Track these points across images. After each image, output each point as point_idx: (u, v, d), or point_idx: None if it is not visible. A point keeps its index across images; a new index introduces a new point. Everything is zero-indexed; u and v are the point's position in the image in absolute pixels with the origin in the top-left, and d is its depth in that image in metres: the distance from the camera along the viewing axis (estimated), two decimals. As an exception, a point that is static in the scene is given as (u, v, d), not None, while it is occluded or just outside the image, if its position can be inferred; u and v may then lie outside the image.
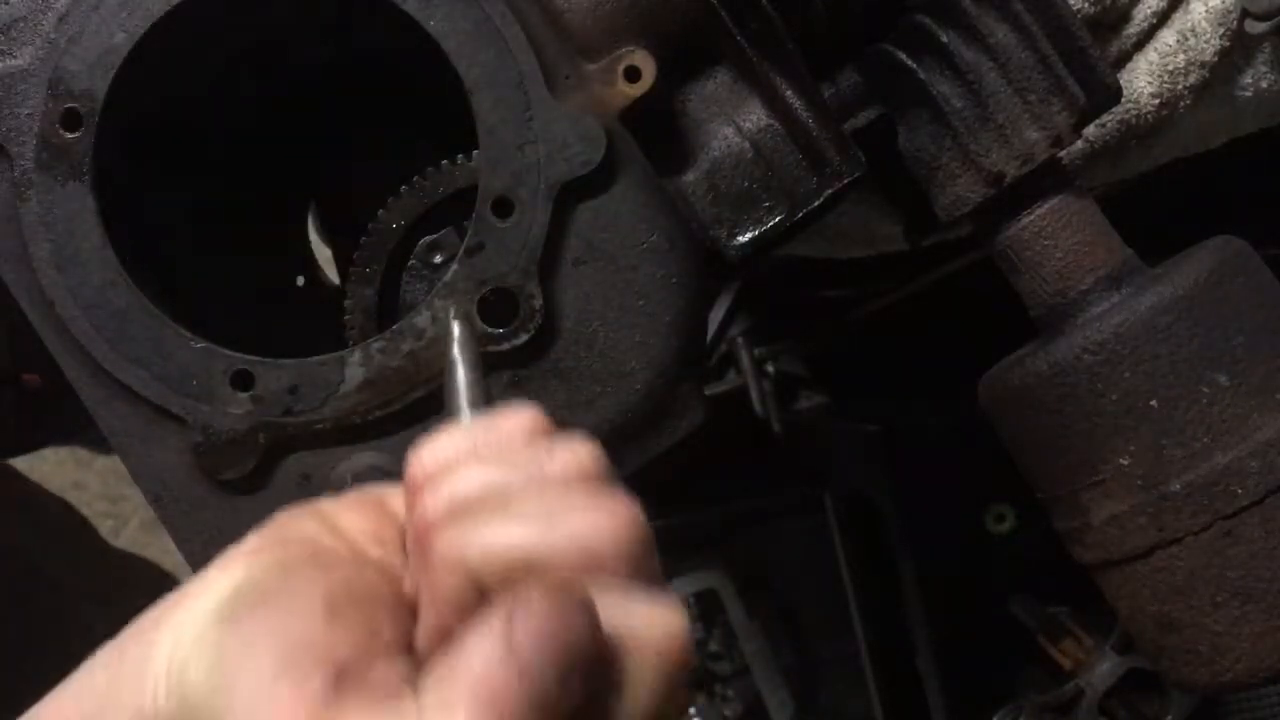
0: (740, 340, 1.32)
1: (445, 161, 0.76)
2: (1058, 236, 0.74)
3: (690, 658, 0.49)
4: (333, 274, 0.90)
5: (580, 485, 0.51)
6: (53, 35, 0.69)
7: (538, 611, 0.45)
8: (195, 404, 0.68)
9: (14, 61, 0.69)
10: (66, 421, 1.16)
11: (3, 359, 1.02)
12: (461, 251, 0.68)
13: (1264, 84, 0.86)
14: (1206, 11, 0.81)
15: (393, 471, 0.64)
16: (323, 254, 0.90)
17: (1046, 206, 0.74)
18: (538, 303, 0.68)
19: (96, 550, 1.39)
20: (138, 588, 1.52)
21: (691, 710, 1.40)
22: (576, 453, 0.52)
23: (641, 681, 0.47)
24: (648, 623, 0.48)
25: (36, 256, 0.68)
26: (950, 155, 0.74)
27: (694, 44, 0.72)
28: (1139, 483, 0.71)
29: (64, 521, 1.35)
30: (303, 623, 0.47)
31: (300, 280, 0.90)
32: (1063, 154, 0.75)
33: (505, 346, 0.68)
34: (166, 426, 0.69)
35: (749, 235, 0.73)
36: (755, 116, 0.73)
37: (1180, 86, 0.82)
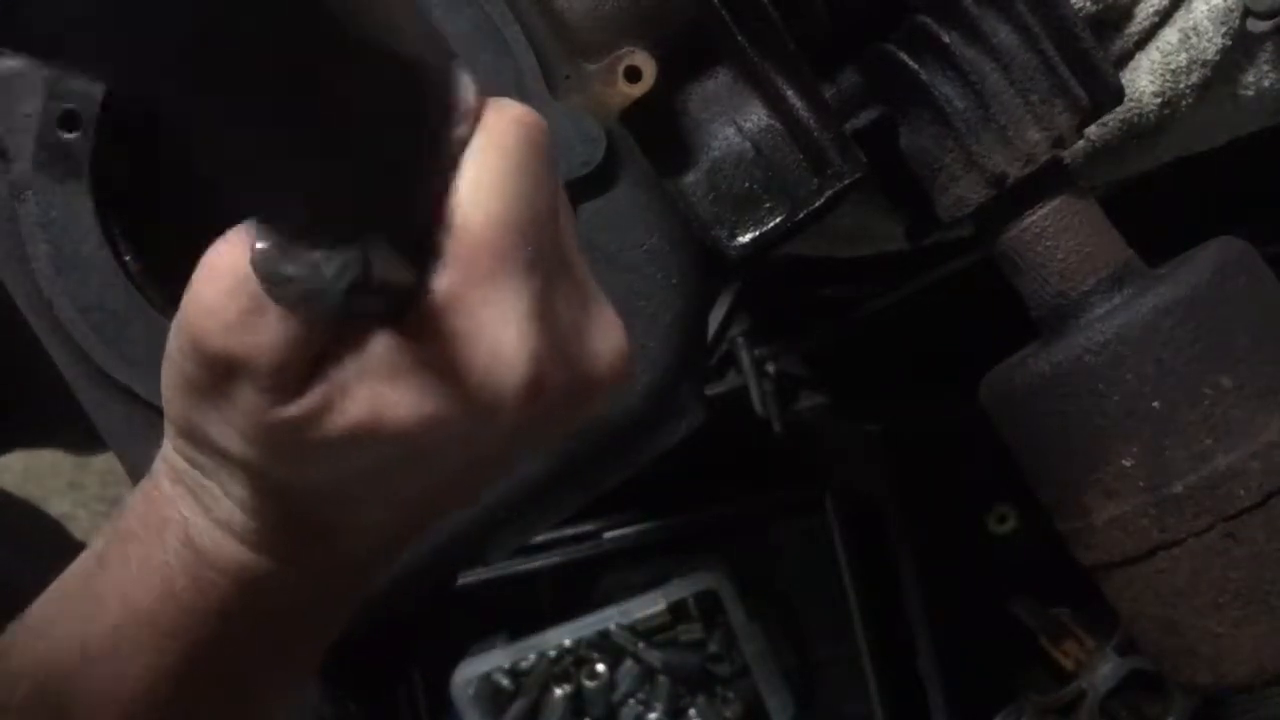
0: (740, 340, 1.31)
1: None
2: (1060, 237, 0.74)
3: (543, 136, 0.49)
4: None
5: None
6: (51, 35, 0.68)
7: None
8: (194, 405, 0.67)
9: (12, 62, 0.69)
10: (41, 423, 1.15)
11: None
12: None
13: (1266, 83, 0.86)
14: (1209, 10, 0.81)
15: None
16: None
17: (1048, 207, 0.74)
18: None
19: (72, 552, 1.37)
20: None
21: (692, 711, 1.40)
22: None
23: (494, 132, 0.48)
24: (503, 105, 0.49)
25: (34, 257, 0.68)
26: (952, 156, 0.74)
27: (694, 44, 0.72)
28: (1141, 484, 0.71)
29: (30, 526, 1.33)
30: None
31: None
32: (1064, 154, 0.75)
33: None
34: (164, 428, 0.69)
35: (749, 236, 0.73)
36: (756, 117, 0.73)
37: (1183, 85, 0.82)
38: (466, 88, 0.48)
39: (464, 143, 0.47)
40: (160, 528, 0.54)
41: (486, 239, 0.46)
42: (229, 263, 0.47)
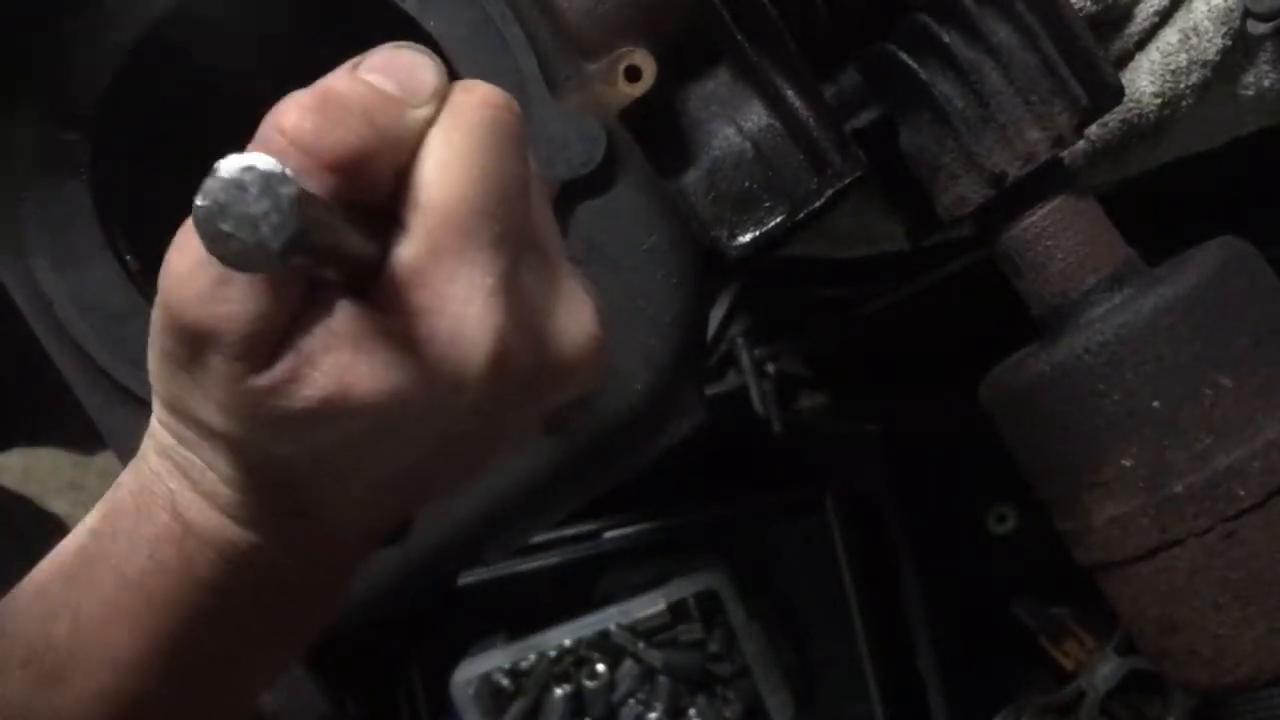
0: (740, 340, 1.31)
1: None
2: (1059, 237, 0.74)
3: (515, 115, 0.52)
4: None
5: None
6: (50, 35, 0.68)
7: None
8: (194, 405, 0.67)
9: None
10: (41, 421, 1.15)
11: None
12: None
13: (1266, 83, 0.86)
14: (1209, 10, 0.81)
15: None
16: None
17: (1048, 207, 0.74)
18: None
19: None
20: None
21: (692, 711, 1.40)
22: None
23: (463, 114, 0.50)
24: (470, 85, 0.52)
25: (34, 256, 0.68)
26: (952, 155, 0.73)
27: (694, 43, 0.72)
28: (1141, 484, 0.71)
29: (30, 523, 1.33)
30: None
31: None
32: (1064, 154, 0.75)
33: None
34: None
35: (750, 235, 0.73)
36: (756, 116, 0.73)
37: (1183, 85, 0.82)
38: (429, 70, 0.50)
39: (428, 122, 0.49)
40: (149, 501, 0.55)
41: (450, 216, 0.48)
42: (198, 239, 0.47)
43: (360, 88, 0.49)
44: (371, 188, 0.48)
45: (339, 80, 0.49)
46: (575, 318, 0.54)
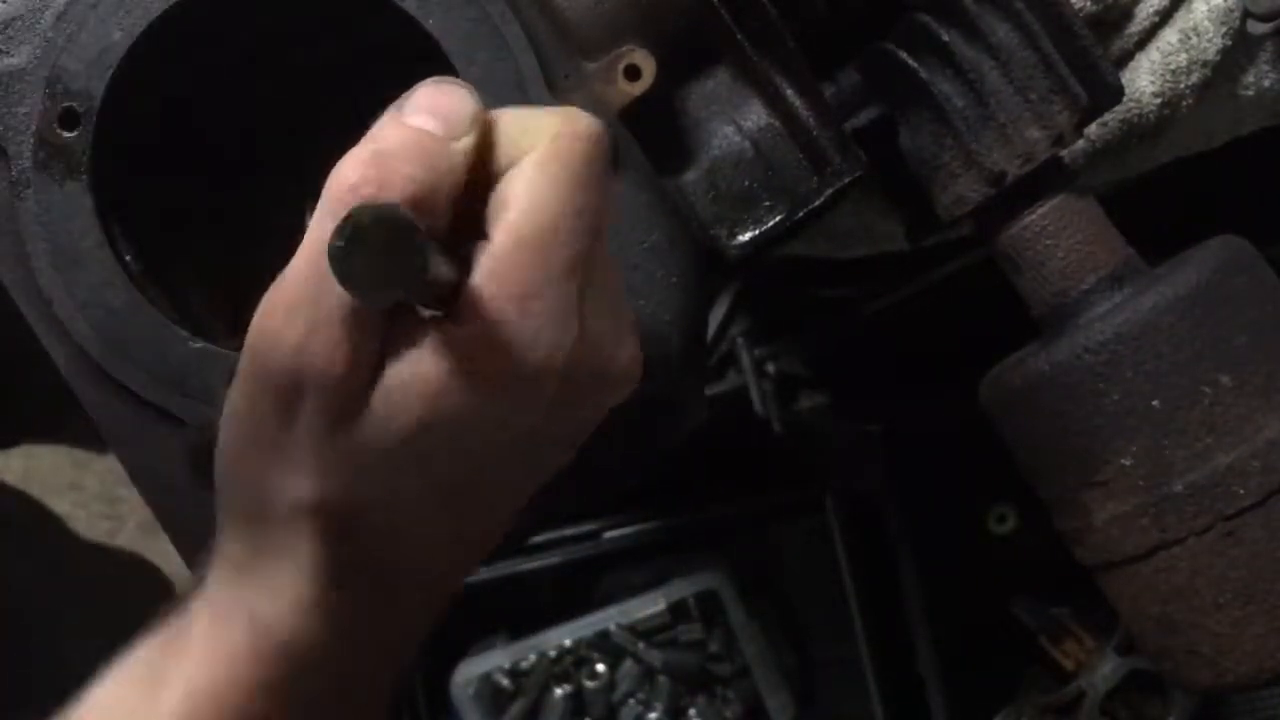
0: (740, 340, 1.32)
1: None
2: (1059, 236, 0.74)
3: (603, 146, 0.55)
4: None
5: None
6: (50, 34, 0.68)
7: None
8: (194, 404, 0.67)
9: (11, 60, 0.69)
10: (47, 418, 1.15)
11: None
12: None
13: (1266, 83, 0.86)
14: (1209, 10, 0.81)
15: None
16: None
17: (1048, 206, 0.74)
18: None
19: (61, 545, 1.37)
20: (124, 586, 1.51)
21: (692, 711, 1.40)
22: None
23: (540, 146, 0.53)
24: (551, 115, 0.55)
25: (34, 255, 0.68)
26: (951, 154, 0.73)
27: (694, 43, 0.72)
28: (1140, 483, 0.71)
29: (22, 514, 1.33)
30: None
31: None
32: (1064, 153, 0.75)
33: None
34: (165, 427, 0.69)
35: (749, 235, 0.73)
36: (755, 115, 0.73)
37: (1183, 85, 0.82)
38: (467, 101, 0.53)
39: (472, 149, 0.53)
40: (227, 620, 0.58)
41: (533, 240, 0.52)
42: (285, 296, 0.52)
43: (409, 134, 0.52)
44: (434, 219, 0.52)
45: (388, 131, 0.52)
46: (624, 341, 0.59)
